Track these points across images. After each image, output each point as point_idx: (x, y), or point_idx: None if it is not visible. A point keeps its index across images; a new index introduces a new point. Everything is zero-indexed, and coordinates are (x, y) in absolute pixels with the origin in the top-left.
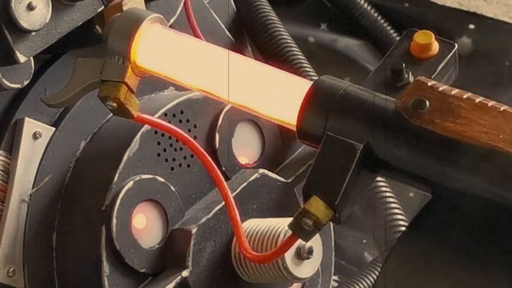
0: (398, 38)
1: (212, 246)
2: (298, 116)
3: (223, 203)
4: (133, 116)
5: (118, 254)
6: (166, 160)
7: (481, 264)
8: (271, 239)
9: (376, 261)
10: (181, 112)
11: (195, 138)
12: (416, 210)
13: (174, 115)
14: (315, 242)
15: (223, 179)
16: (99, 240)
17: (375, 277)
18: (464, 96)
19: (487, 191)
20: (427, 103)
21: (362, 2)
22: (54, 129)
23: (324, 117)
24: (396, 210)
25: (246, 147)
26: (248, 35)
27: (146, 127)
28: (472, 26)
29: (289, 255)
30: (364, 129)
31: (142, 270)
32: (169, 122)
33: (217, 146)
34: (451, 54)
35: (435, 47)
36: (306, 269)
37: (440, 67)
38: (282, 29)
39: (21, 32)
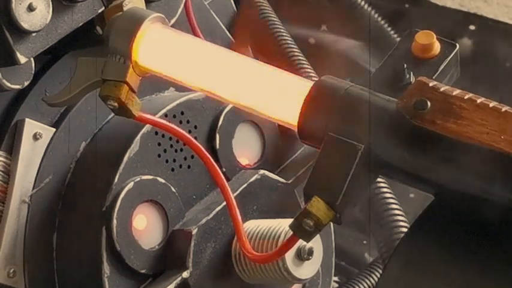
0: (398, 39)
1: (212, 247)
2: (299, 116)
3: (224, 203)
4: (134, 115)
5: (118, 255)
6: (167, 161)
7: (483, 265)
8: (271, 239)
9: (376, 262)
10: (182, 113)
11: (195, 139)
12: (416, 211)
13: (174, 116)
14: (316, 243)
15: (224, 179)
16: (100, 241)
17: (375, 278)
18: (466, 97)
19: (488, 192)
20: (429, 103)
21: (362, 3)
22: (54, 130)
23: (325, 118)
24: (396, 211)
25: (246, 148)
26: (248, 36)
27: (147, 128)
28: (472, 27)
29: (289, 256)
30: (365, 129)
31: (143, 271)
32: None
33: (217, 146)
34: (452, 54)
35: (437, 47)
36: (306, 270)
37: (441, 67)
38: (282, 30)
39: (22, 33)
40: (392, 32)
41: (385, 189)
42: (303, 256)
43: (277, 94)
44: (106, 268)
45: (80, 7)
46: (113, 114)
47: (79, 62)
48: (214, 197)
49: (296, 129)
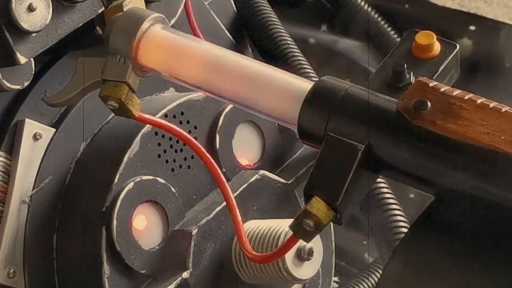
0: (398, 40)
1: (212, 248)
2: (299, 116)
3: (224, 204)
4: (134, 115)
5: (118, 255)
6: (167, 161)
7: (483, 266)
8: (271, 240)
9: (377, 263)
10: (182, 113)
11: (195, 139)
12: (416, 212)
13: (174, 116)
14: (316, 243)
15: (224, 179)
16: (100, 242)
17: (376, 278)
18: (466, 97)
19: (488, 192)
20: (429, 104)
21: (362, 4)
22: (54, 130)
23: (325, 118)
24: (396, 212)
25: (246, 149)
26: (248, 36)
27: (147, 128)
28: (472, 27)
29: (289, 256)
30: (365, 130)
31: (143, 272)
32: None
33: (217, 147)
34: (452, 54)
35: (437, 47)
36: (306, 270)
37: (442, 68)
38: (282, 30)
39: (22, 33)
40: (392, 32)
41: (385, 189)
42: (303, 256)
43: (277, 94)
44: (106, 268)
45: (80, 7)
46: (112, 114)
47: (79, 62)
48: (214, 197)
49: (296, 129)
